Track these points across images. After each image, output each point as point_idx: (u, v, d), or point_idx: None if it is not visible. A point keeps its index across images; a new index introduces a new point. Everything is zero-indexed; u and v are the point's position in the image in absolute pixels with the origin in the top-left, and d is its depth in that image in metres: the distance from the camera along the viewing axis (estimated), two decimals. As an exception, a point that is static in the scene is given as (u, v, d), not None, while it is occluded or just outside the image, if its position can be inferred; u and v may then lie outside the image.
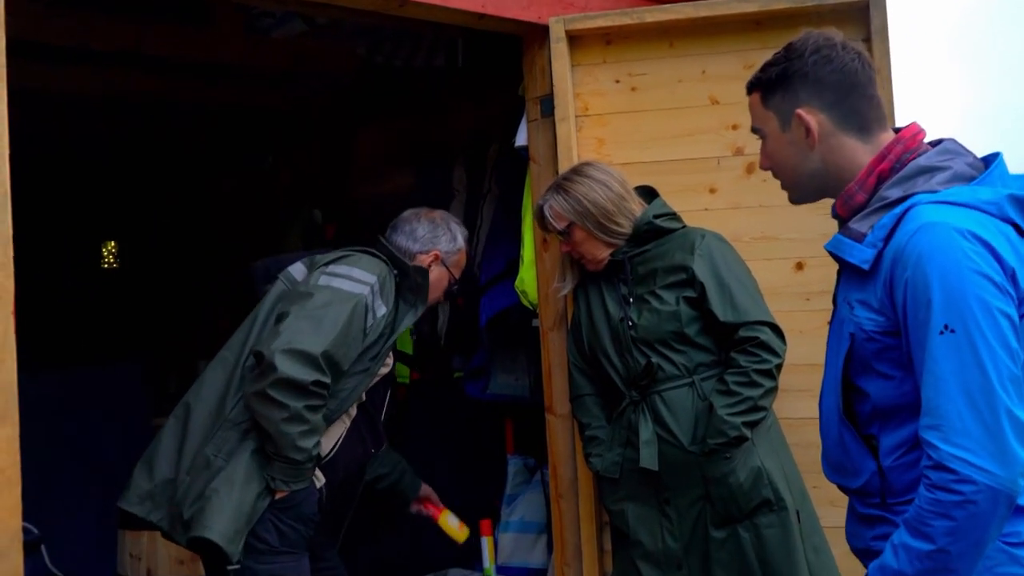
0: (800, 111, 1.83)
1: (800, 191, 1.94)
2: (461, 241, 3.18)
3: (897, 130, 1.86)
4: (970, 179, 1.74)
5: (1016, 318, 1.63)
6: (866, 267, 1.73)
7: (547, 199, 3.06)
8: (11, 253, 2.08)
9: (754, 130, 1.96)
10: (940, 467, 1.58)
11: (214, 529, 2.65)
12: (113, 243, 7.71)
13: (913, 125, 1.85)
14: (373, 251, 3.01)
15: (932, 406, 1.61)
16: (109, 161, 6.84)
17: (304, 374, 2.65)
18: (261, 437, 2.73)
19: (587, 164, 3.11)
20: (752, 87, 1.92)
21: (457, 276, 3.20)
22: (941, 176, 1.74)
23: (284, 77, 5.38)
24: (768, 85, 1.88)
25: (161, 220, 7.30)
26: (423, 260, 3.09)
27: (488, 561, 3.99)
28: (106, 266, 7.71)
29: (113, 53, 4.64)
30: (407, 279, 2.99)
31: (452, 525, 3.47)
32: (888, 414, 1.76)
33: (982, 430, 1.57)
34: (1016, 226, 1.70)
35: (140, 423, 5.00)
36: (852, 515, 1.90)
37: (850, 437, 1.82)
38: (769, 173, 2.02)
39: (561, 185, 3.04)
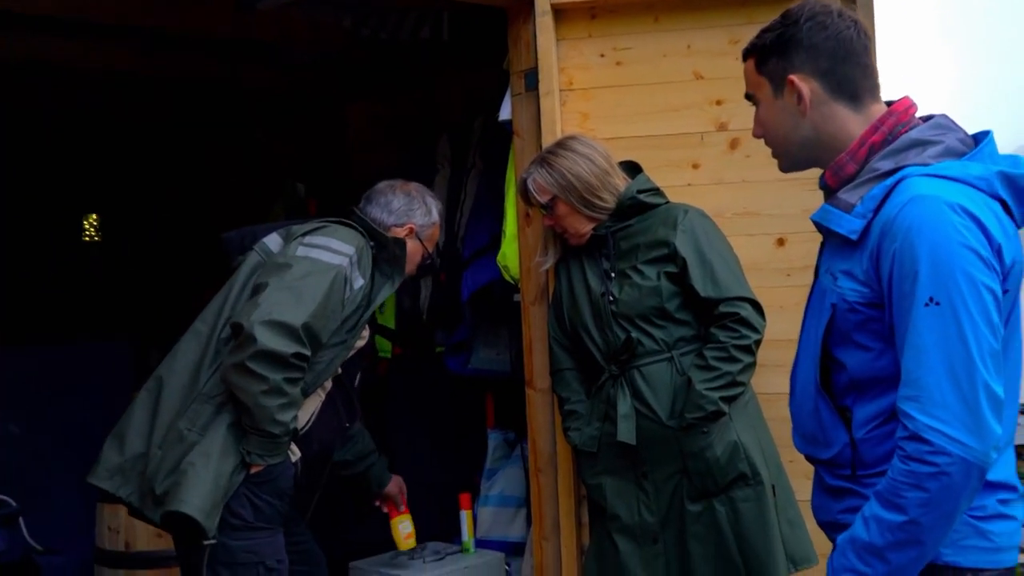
0: (793, 77, 1.83)
1: (790, 159, 1.93)
2: (436, 215, 3.17)
3: (889, 103, 1.85)
4: (961, 155, 1.74)
5: (1000, 293, 1.64)
6: (855, 237, 1.73)
7: (531, 172, 3.05)
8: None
9: (748, 96, 1.95)
10: (916, 438, 1.59)
11: (191, 503, 2.61)
12: (95, 216, 7.64)
13: (906, 99, 1.85)
14: (349, 222, 2.98)
15: (912, 377, 1.62)
16: (92, 134, 6.78)
17: (285, 346, 2.62)
18: (237, 410, 2.70)
19: (571, 138, 3.09)
20: (748, 53, 1.92)
21: (431, 250, 3.18)
22: (933, 150, 1.74)
23: (269, 50, 5.34)
24: (763, 51, 1.88)
25: (145, 193, 7.25)
26: (398, 233, 3.06)
27: (467, 535, 4.00)
28: (87, 239, 7.65)
29: (96, 25, 4.59)
30: (384, 251, 2.97)
31: (400, 532, 3.50)
32: (864, 386, 1.77)
33: (960, 403, 1.57)
34: (1004, 203, 1.71)
35: (124, 398, 4.98)
36: (819, 488, 1.91)
37: (825, 407, 1.82)
38: (752, 149, 2.02)
39: (545, 159, 3.03)
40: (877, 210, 1.71)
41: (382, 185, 3.15)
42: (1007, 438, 1.71)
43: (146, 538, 3.89)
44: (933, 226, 1.62)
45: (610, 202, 2.99)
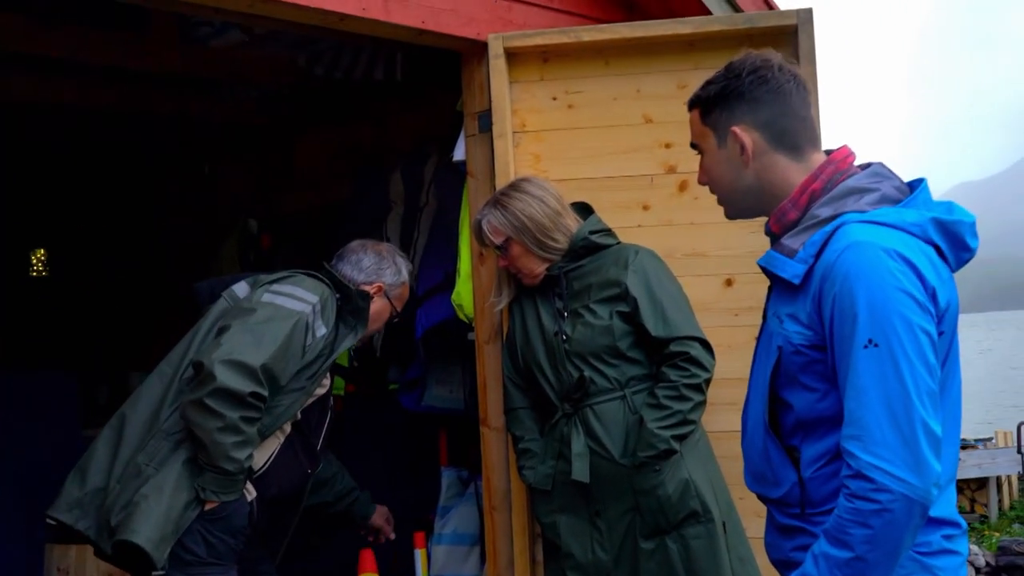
0: (735, 129, 1.89)
1: (735, 207, 1.99)
2: (405, 274, 3.24)
3: (828, 151, 1.92)
4: (897, 201, 1.80)
5: (935, 335, 1.70)
6: (797, 282, 1.79)
7: (485, 214, 3.09)
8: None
9: (693, 146, 2.00)
10: (859, 476, 1.64)
11: (140, 533, 2.65)
12: (42, 251, 7.56)
13: (844, 148, 1.91)
14: (317, 274, 3.06)
15: (854, 417, 1.67)
16: (40, 168, 6.71)
17: (242, 385, 2.68)
18: (195, 446, 2.74)
19: (524, 180, 3.15)
20: (692, 104, 1.97)
21: (399, 309, 3.25)
22: (870, 197, 1.80)
23: (221, 87, 5.34)
24: (707, 102, 1.93)
25: (93, 229, 7.18)
26: (367, 291, 3.13)
27: (421, 573, 3.99)
28: (35, 274, 7.56)
29: (46, 59, 4.57)
30: (349, 302, 3.04)
31: None
32: (810, 426, 1.82)
33: (899, 441, 1.62)
34: (937, 248, 1.77)
35: (71, 434, 4.91)
36: (771, 526, 1.95)
37: (774, 447, 1.87)
38: (701, 191, 2.07)
39: (499, 200, 3.08)
40: (818, 255, 1.77)
41: (354, 244, 3.23)
42: (948, 475, 1.76)
43: (96, 579, 3.84)
44: (870, 271, 1.68)
45: (563, 243, 3.04)
